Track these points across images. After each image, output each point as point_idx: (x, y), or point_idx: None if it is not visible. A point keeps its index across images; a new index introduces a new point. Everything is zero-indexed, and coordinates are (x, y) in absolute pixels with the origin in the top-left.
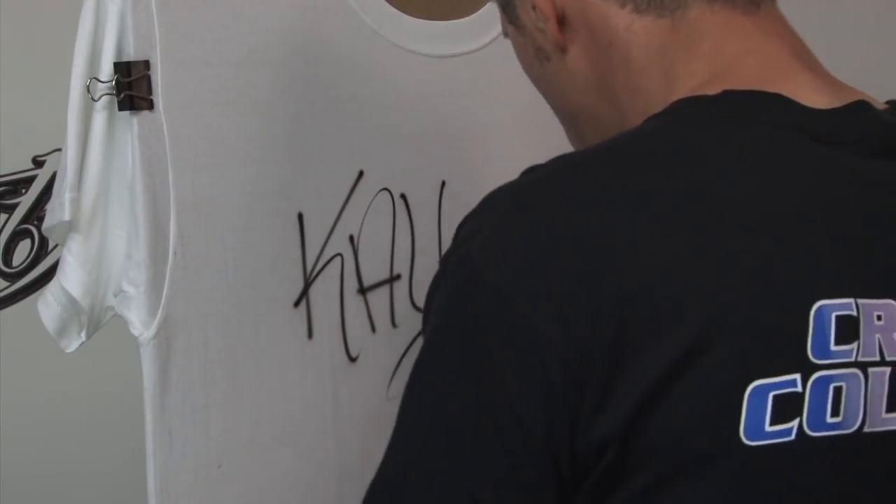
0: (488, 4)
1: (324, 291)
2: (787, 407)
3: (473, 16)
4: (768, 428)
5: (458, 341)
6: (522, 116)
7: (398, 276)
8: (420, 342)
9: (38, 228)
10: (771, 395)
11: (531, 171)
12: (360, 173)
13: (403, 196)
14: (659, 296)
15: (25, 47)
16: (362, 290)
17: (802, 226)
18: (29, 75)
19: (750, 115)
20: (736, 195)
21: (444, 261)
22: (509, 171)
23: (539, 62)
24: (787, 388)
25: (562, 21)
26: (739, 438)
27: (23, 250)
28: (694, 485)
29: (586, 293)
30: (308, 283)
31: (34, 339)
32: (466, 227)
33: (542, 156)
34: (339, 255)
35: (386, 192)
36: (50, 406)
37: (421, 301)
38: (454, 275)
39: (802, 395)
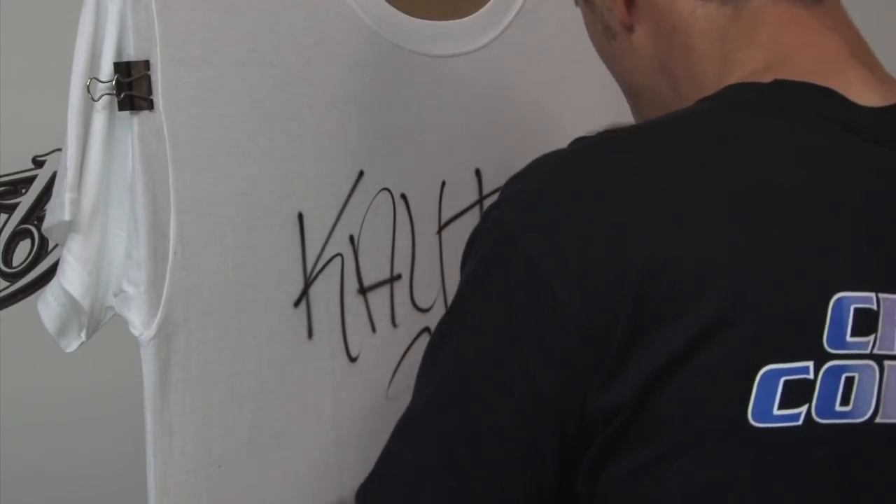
0: (488, 4)
1: (324, 291)
2: (797, 393)
3: (473, 16)
4: (776, 411)
5: (483, 298)
6: (523, 116)
7: (398, 276)
8: (420, 342)
9: (38, 228)
10: (782, 379)
11: (578, 142)
12: (360, 173)
13: (403, 196)
14: (682, 273)
15: (25, 47)
16: (362, 290)
17: (833, 218)
18: (29, 75)
19: (796, 105)
20: (770, 182)
21: (485, 216)
22: (510, 171)
23: (606, 39)
24: (799, 374)
25: (630, 2)
26: (747, 419)
27: (23, 250)
28: (699, 460)
29: (612, 265)
30: (308, 283)
31: (34, 339)
32: (509, 188)
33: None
34: (339, 255)
35: (386, 192)
36: (50, 406)
37: (421, 301)
38: (488, 234)
39: (814, 382)
